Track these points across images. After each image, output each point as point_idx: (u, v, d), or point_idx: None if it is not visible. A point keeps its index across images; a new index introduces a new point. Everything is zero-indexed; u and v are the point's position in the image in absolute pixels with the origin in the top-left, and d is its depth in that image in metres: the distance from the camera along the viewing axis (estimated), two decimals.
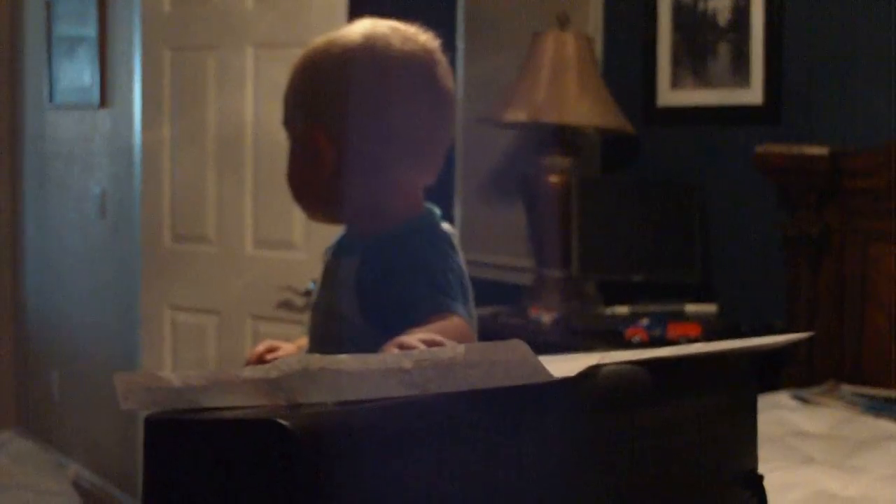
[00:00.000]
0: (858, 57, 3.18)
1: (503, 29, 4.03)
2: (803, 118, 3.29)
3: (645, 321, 3.25)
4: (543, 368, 0.73)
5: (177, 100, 3.98)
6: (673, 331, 3.21)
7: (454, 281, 1.25)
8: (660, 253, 3.56)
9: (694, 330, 3.21)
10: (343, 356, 0.74)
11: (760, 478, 0.90)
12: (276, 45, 3.70)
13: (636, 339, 3.19)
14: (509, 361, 0.72)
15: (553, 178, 3.59)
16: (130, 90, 4.25)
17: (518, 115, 3.53)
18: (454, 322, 1.20)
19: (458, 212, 4.17)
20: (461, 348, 0.73)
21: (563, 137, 3.60)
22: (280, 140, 1.38)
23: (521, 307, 3.60)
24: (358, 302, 1.24)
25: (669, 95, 3.59)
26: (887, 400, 2.85)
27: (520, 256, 3.94)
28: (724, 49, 3.44)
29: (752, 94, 3.38)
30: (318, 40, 1.36)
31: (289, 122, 1.34)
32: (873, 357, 3.06)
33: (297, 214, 3.73)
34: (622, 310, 3.45)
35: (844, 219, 3.11)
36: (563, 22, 3.54)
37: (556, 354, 0.98)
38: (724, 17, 3.43)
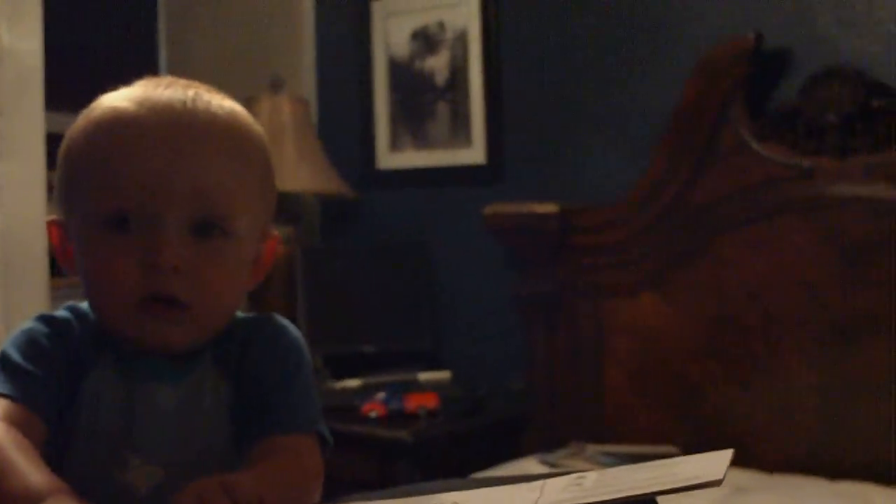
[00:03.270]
0: (579, 115, 3.18)
1: None
2: (527, 176, 3.26)
3: (381, 394, 3.11)
4: None
5: None
6: (410, 402, 3.08)
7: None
8: (389, 321, 3.43)
9: (431, 400, 3.10)
10: None
11: None
12: None
13: (373, 413, 3.04)
14: None
15: None
16: None
17: None
18: (311, 444, 1.04)
19: None
20: None
21: (283, 205, 3.42)
22: None
23: None
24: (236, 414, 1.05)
25: (389, 158, 3.49)
26: (635, 456, 2.82)
27: None
28: (443, 109, 3.38)
29: (475, 153, 3.32)
30: (237, 118, 1.08)
31: (229, 221, 1.02)
32: (614, 413, 3.04)
33: None
34: (353, 383, 3.29)
35: (576, 275, 3.08)
36: (276, 85, 3.38)
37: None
38: (441, 77, 3.37)
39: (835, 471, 2.66)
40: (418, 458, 2.89)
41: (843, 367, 2.72)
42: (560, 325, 3.11)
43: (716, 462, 0.72)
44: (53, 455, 0.98)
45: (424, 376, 3.33)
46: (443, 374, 3.35)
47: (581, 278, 3.08)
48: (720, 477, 0.69)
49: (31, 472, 0.90)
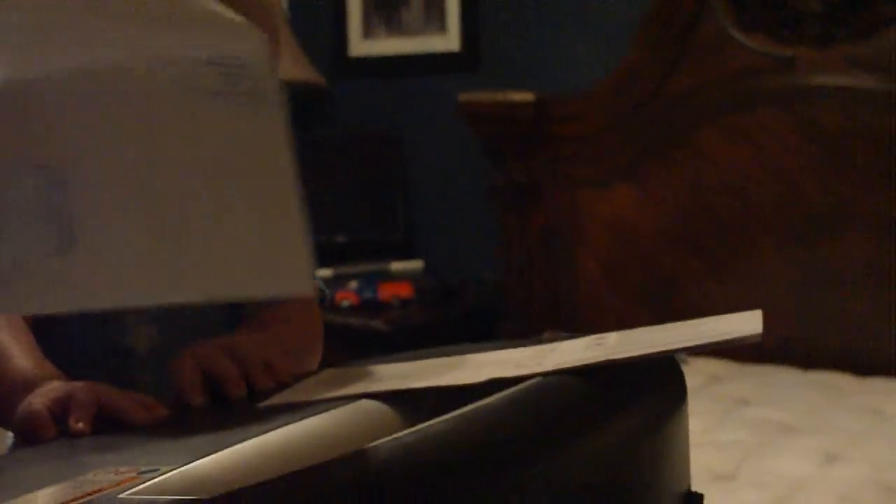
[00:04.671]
0: (554, 2, 3.11)
1: None
2: (503, 64, 3.21)
3: (354, 284, 3.09)
4: None
5: None
6: (384, 292, 3.07)
7: None
8: (361, 211, 3.40)
9: (405, 289, 3.09)
10: None
11: (701, 497, 0.74)
12: None
13: (346, 303, 3.03)
14: None
15: None
16: None
17: None
18: (310, 302, 1.04)
19: None
20: None
21: None
22: None
23: None
24: None
25: (362, 45, 3.41)
26: None
27: None
28: None
29: (449, 40, 3.26)
30: None
31: None
32: (587, 303, 3.04)
33: None
34: (325, 273, 3.26)
35: (552, 166, 3.05)
36: None
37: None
38: None
39: (807, 361, 2.68)
40: (392, 347, 2.86)
41: (818, 259, 2.72)
42: (534, 216, 3.08)
43: (748, 320, 0.70)
44: (47, 322, 0.95)
45: (397, 266, 3.31)
46: (415, 264, 3.33)
47: (556, 168, 3.04)
48: (759, 331, 0.67)
49: (23, 356, 0.88)
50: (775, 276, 2.76)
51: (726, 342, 0.66)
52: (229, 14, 0.63)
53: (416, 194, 3.39)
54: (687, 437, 0.76)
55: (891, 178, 2.64)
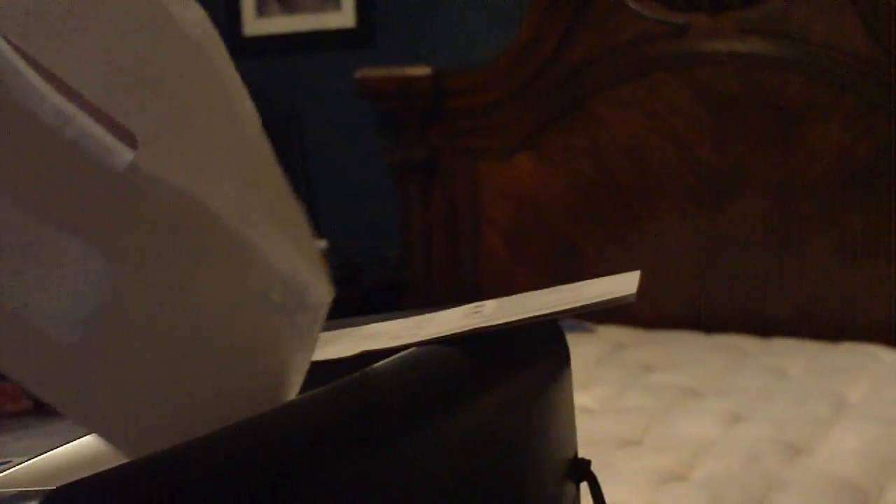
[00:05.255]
0: None
1: None
2: (399, 40, 3.18)
3: None
4: None
5: None
6: None
7: None
8: None
9: None
10: None
11: (588, 463, 0.73)
12: None
13: None
14: None
15: None
16: None
17: None
18: None
19: None
20: None
21: None
22: None
23: None
24: None
25: (256, 24, 3.36)
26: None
27: None
28: None
29: (344, 17, 3.22)
30: None
31: None
32: (491, 277, 3.04)
33: None
34: None
35: (451, 140, 3.04)
36: None
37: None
38: None
39: (710, 325, 2.70)
40: None
41: (716, 222, 2.75)
42: (435, 191, 3.07)
43: (624, 281, 0.69)
44: None
45: None
46: (318, 244, 3.29)
47: (456, 142, 3.03)
48: (633, 291, 0.66)
49: None
50: (675, 241, 2.79)
51: (601, 303, 0.65)
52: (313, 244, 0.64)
53: (317, 173, 3.36)
54: (571, 402, 0.75)
55: (783, 141, 2.67)
